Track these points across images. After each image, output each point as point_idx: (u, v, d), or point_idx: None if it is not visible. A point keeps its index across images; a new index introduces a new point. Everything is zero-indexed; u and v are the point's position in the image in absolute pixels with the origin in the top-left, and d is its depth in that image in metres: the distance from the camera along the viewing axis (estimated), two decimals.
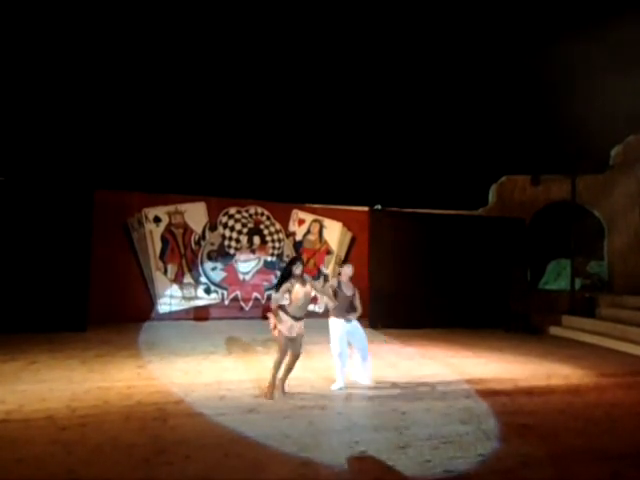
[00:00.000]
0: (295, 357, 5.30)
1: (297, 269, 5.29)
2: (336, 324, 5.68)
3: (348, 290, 5.81)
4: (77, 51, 15.08)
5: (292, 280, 5.24)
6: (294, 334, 5.17)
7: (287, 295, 5.22)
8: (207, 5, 16.93)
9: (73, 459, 3.57)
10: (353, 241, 12.69)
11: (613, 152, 13.31)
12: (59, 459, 3.57)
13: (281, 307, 5.23)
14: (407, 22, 17.97)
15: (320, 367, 6.58)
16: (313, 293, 5.43)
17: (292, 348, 5.24)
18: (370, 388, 5.71)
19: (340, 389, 5.53)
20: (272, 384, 5.16)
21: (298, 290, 5.22)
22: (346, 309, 5.74)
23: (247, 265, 11.73)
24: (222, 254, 11.54)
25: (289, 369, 5.32)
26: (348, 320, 5.70)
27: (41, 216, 9.02)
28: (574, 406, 5.34)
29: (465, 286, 11.47)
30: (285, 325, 5.15)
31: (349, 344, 5.81)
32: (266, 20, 17.40)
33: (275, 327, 5.17)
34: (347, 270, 5.98)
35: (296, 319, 5.20)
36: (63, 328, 8.74)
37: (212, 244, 11.48)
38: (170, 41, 16.50)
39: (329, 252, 12.52)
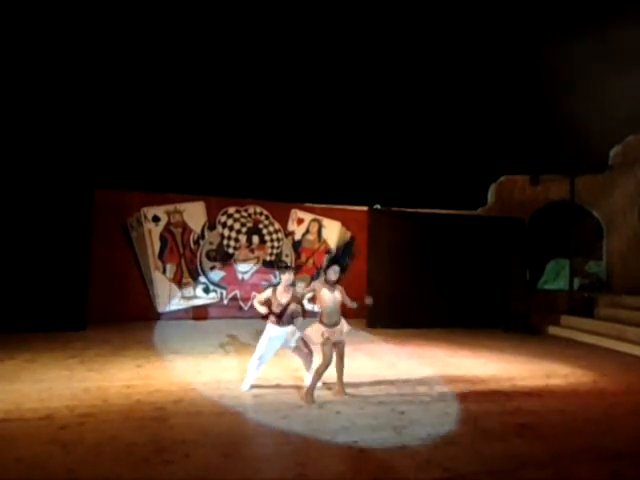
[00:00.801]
0: (340, 358, 5.37)
1: (333, 275, 5.24)
2: (272, 331, 5.42)
3: (283, 298, 5.44)
4: (77, 50, 15.06)
5: (319, 283, 5.29)
6: (333, 339, 5.21)
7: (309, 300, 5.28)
8: (207, 4, 16.93)
9: (72, 458, 3.57)
10: (352, 241, 12.70)
11: (612, 152, 13.32)
12: (58, 458, 3.57)
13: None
14: (407, 22, 17.97)
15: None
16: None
17: (336, 351, 5.30)
18: (369, 388, 5.71)
19: (250, 389, 5.43)
20: (312, 389, 5.14)
21: (325, 294, 5.19)
22: (285, 317, 5.43)
23: (246, 264, 11.73)
24: (221, 253, 11.53)
25: (340, 371, 5.38)
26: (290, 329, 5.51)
27: (41, 215, 9.02)
28: (573, 406, 5.34)
29: (464, 286, 11.47)
30: (321, 334, 5.18)
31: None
32: (266, 20, 17.40)
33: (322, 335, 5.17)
34: (286, 277, 5.59)
35: (331, 326, 5.20)
36: (63, 327, 8.74)
37: (211, 243, 11.48)
38: (170, 40, 16.49)
39: (328, 252, 12.53)
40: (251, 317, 11.44)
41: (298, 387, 5.61)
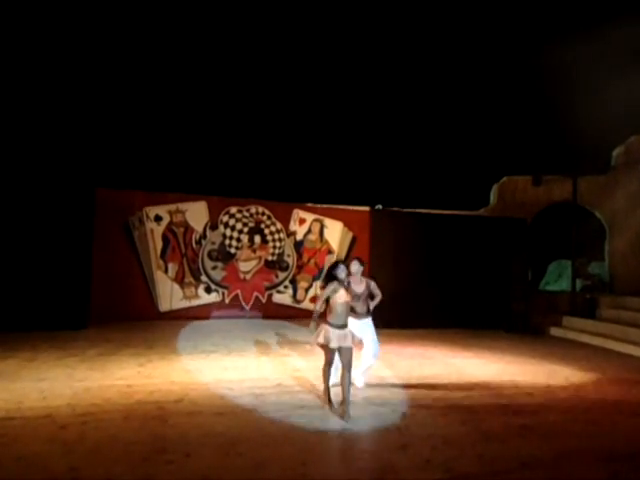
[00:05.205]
0: (346, 368, 4.82)
1: (341, 273, 4.92)
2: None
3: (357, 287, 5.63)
4: (78, 49, 15.09)
5: (335, 285, 4.86)
6: (335, 344, 4.78)
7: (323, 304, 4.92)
8: (207, 4, 16.94)
9: (73, 457, 3.57)
10: (354, 241, 12.68)
11: (615, 153, 13.29)
12: (59, 457, 3.57)
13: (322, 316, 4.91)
14: (408, 22, 17.96)
15: (320, 367, 6.56)
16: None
17: (340, 359, 4.89)
18: (370, 388, 5.71)
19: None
20: (326, 391, 5.03)
21: (341, 295, 4.84)
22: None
23: (248, 264, 11.73)
24: (223, 253, 11.53)
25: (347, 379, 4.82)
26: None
27: (42, 214, 9.02)
28: (574, 407, 5.33)
29: (466, 286, 11.45)
30: (326, 335, 4.80)
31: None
32: (266, 19, 17.40)
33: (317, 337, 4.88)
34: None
35: (339, 327, 4.81)
36: (64, 326, 8.74)
37: (213, 243, 11.48)
38: (171, 40, 16.51)
39: (330, 252, 12.51)
40: (252, 317, 11.46)
41: (299, 387, 5.60)
